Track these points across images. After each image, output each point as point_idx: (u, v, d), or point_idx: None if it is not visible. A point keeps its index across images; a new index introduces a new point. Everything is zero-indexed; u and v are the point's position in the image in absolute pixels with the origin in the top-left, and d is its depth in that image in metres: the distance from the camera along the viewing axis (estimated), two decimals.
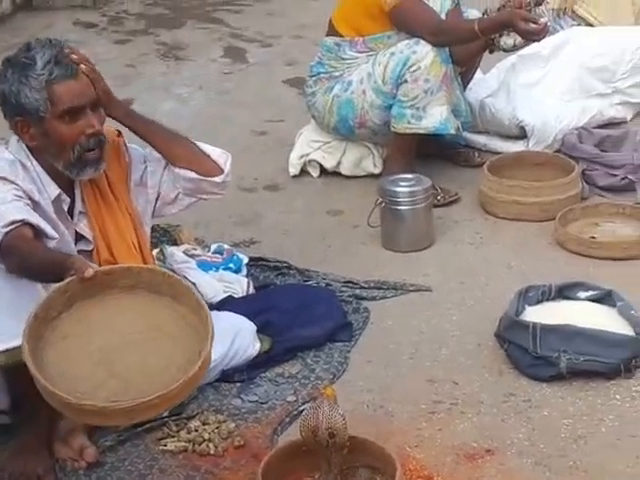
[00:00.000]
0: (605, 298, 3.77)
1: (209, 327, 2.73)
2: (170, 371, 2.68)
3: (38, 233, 2.95)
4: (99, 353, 2.72)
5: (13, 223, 2.89)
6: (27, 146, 3.15)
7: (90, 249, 3.26)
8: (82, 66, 3.13)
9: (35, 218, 2.98)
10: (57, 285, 2.75)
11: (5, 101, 3.12)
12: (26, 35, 6.64)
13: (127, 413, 2.62)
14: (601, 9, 6.19)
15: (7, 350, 2.88)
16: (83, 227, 3.25)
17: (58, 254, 2.94)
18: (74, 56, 3.13)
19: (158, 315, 2.82)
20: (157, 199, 3.45)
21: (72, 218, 3.24)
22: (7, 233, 2.87)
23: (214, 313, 3.58)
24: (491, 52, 4.98)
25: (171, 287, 2.85)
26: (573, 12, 6.21)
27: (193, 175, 3.38)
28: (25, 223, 2.92)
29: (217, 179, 3.42)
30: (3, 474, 3.07)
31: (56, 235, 3.05)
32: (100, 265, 3.13)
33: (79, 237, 3.26)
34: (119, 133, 3.36)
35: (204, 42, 6.84)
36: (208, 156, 3.42)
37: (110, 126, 3.34)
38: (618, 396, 3.39)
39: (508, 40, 4.82)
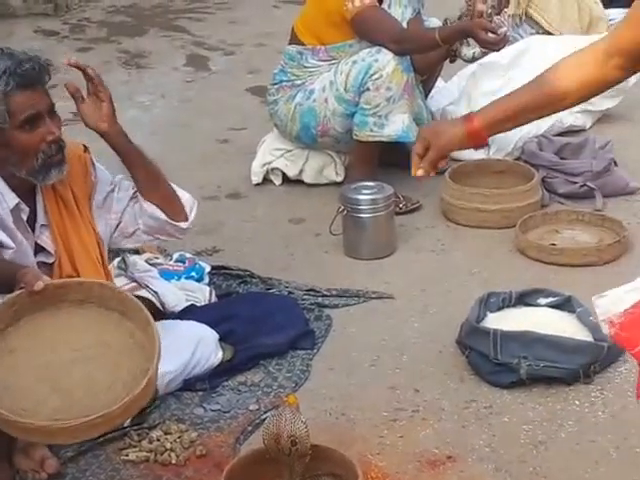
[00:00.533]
0: (565, 304, 3.79)
1: (156, 345, 2.72)
2: (116, 388, 2.68)
3: None
4: (45, 368, 2.72)
5: None
6: None
7: (51, 262, 3.23)
8: (92, 84, 3.21)
9: None
10: (5, 298, 2.74)
11: None
12: None
13: (70, 432, 2.62)
14: (551, 13, 6.21)
15: None
16: (45, 239, 3.22)
17: (9, 265, 2.93)
18: (89, 71, 3.17)
19: (106, 331, 2.82)
20: (116, 228, 3.42)
21: (33, 230, 3.21)
22: None
23: (176, 322, 3.61)
24: (452, 61, 5.01)
25: (121, 303, 2.84)
26: (527, 16, 6.22)
27: (161, 215, 3.35)
28: None
29: (182, 225, 3.41)
30: None
31: (12, 245, 3.03)
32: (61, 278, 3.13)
33: (39, 249, 3.22)
34: (85, 148, 3.35)
35: (166, 50, 6.83)
36: (179, 199, 3.42)
37: (75, 141, 3.33)
38: (577, 402, 3.41)
39: (468, 50, 4.87)
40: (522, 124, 2.63)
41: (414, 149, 2.61)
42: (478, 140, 2.57)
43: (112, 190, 3.39)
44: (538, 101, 2.54)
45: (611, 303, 2.33)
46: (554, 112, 2.63)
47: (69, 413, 2.60)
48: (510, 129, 2.63)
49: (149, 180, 3.36)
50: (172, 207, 3.38)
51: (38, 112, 3.08)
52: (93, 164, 3.36)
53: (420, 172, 2.59)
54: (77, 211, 3.27)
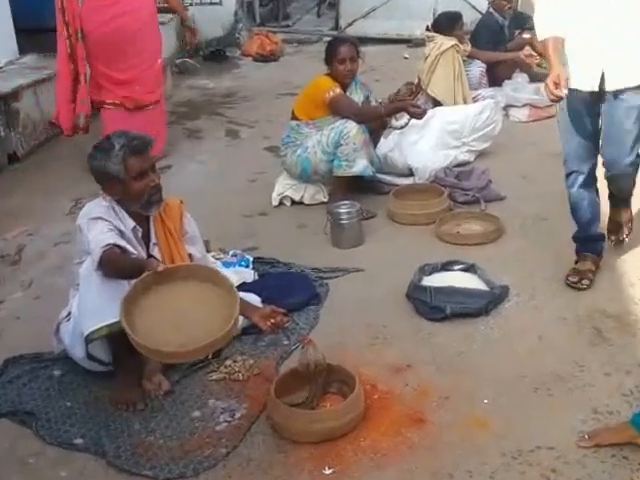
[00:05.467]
0: (470, 268, 3.78)
1: (237, 303, 2.71)
2: (212, 329, 2.65)
3: (123, 250, 2.90)
4: (169, 317, 2.70)
5: (107, 245, 2.85)
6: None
7: None
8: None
9: (121, 242, 2.93)
10: (140, 277, 2.73)
11: (96, 171, 3.06)
12: None
13: (187, 354, 2.65)
14: (440, 90, 6.17)
15: (108, 325, 2.84)
16: (156, 253, 3.17)
17: (140, 260, 2.92)
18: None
19: (204, 294, 2.78)
20: None
21: (148, 246, 3.17)
22: (104, 252, 2.84)
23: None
24: (388, 128, 4.97)
25: (212, 277, 2.81)
26: (427, 94, 6.20)
27: None
28: (115, 245, 2.87)
29: None
30: (111, 403, 3.01)
31: (135, 252, 3.00)
32: None
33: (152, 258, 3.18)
34: (181, 201, 3.31)
35: (213, 127, 6.76)
36: None
37: (176, 197, 3.29)
38: (482, 327, 3.40)
39: (397, 122, 4.83)
40: None
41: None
42: None
43: (200, 245, 3.38)
44: None
45: None
46: None
47: (186, 344, 2.61)
48: None
49: None
50: None
51: (144, 170, 3.04)
52: (185, 214, 3.31)
53: None
54: (176, 235, 3.23)
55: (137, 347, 2.64)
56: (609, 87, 3.34)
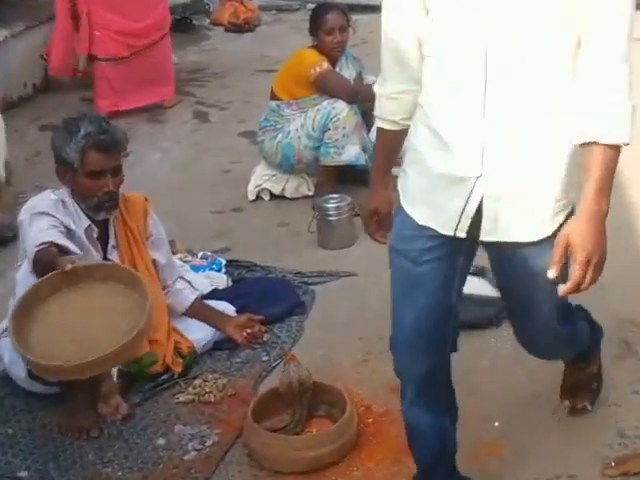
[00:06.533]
0: (479, 273, 3.80)
1: (147, 308, 2.72)
2: (115, 338, 2.66)
3: (65, 251, 2.92)
4: (69, 325, 2.74)
5: (43, 244, 2.88)
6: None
7: None
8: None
9: (62, 240, 2.95)
10: (44, 278, 2.78)
11: (54, 150, 3.11)
12: (46, 110, 6.61)
13: (78, 370, 2.63)
14: None
15: None
16: (114, 258, 3.22)
17: (52, 257, 2.88)
18: None
19: (115, 298, 2.81)
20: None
21: (105, 248, 3.21)
22: (37, 251, 2.87)
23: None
24: None
25: (129, 278, 2.84)
26: None
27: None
28: (53, 244, 2.90)
29: None
30: (60, 430, 3.04)
31: (79, 252, 3.01)
32: None
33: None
34: (146, 199, 3.35)
35: (178, 109, 6.79)
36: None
37: (139, 193, 3.36)
38: (492, 339, 3.45)
39: None
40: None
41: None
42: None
43: (166, 250, 3.45)
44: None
45: None
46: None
47: (79, 357, 2.62)
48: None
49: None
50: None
51: (102, 170, 3.07)
52: (150, 213, 3.36)
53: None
54: (139, 238, 3.26)
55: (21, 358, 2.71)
56: (490, 236, 2.20)
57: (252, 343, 3.40)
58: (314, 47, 4.73)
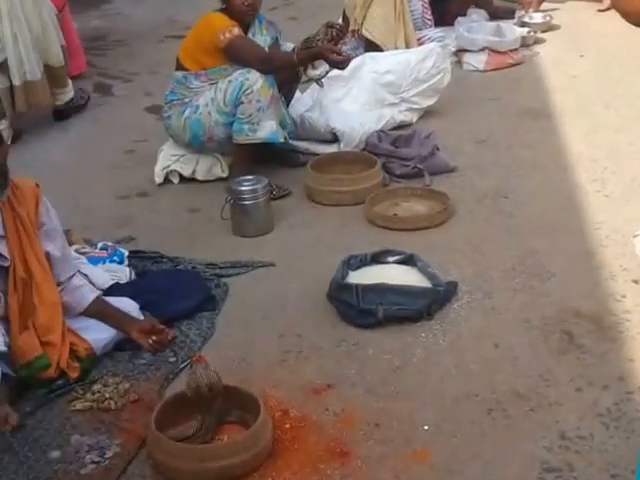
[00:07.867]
0: (408, 260, 3.86)
1: None
2: None
3: None
4: None
5: None
6: None
7: (7, 265, 3.19)
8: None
9: None
10: None
11: None
12: None
13: None
14: (378, 31, 6.20)
15: None
16: (2, 250, 3.16)
17: None
18: None
19: None
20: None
21: None
22: None
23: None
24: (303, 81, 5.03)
25: None
26: (359, 37, 6.22)
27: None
28: None
29: None
30: None
31: None
32: (15, 281, 3.16)
33: None
34: (37, 185, 3.29)
35: (75, 81, 6.65)
36: None
37: (29, 179, 3.29)
38: (423, 334, 3.47)
39: (314, 71, 4.88)
40: None
41: None
42: None
43: (61, 241, 3.38)
44: None
45: None
46: None
47: None
48: None
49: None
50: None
51: None
52: (42, 200, 3.29)
53: None
54: (30, 227, 3.21)
55: None
56: None
57: (159, 351, 3.39)
58: (223, 10, 4.70)
